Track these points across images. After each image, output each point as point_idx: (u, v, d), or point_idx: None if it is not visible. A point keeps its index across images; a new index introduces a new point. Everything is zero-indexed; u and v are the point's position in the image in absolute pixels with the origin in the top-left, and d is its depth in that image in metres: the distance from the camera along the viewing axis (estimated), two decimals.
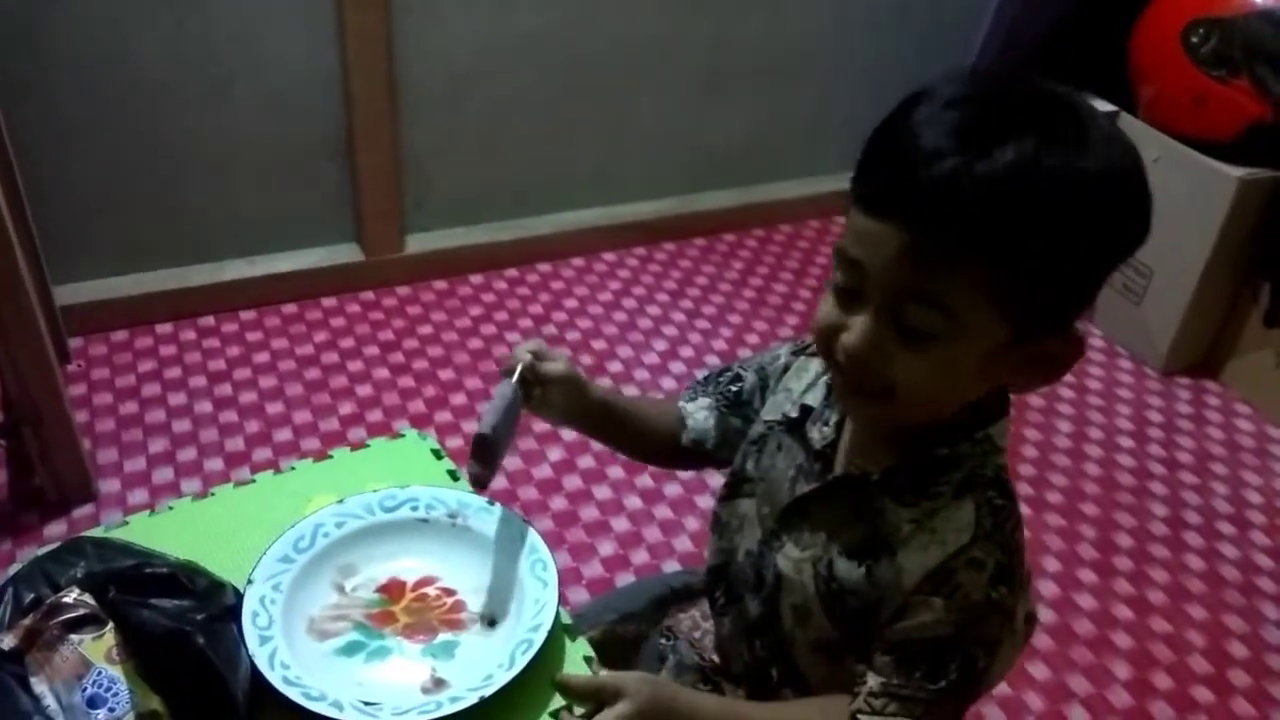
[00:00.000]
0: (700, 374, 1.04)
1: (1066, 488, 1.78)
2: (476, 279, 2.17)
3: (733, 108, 2.30)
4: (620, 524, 1.64)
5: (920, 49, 2.33)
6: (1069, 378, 2.03)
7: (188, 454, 1.68)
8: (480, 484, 0.87)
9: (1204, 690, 1.48)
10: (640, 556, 1.59)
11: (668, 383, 1.94)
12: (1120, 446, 1.89)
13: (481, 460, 0.86)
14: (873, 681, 0.79)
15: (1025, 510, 1.71)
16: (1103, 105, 2.00)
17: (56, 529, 1.52)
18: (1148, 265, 2.01)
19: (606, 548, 1.60)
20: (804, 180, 2.45)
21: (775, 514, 0.87)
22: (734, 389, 0.99)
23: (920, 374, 0.72)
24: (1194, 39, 1.86)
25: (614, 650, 1.02)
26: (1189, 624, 1.57)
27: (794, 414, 0.88)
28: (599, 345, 2.03)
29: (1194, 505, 1.78)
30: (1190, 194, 1.90)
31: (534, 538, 0.88)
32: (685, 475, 1.74)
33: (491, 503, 0.92)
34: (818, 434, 0.85)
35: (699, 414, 0.99)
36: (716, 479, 1.71)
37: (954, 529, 0.76)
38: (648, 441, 1.03)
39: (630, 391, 1.89)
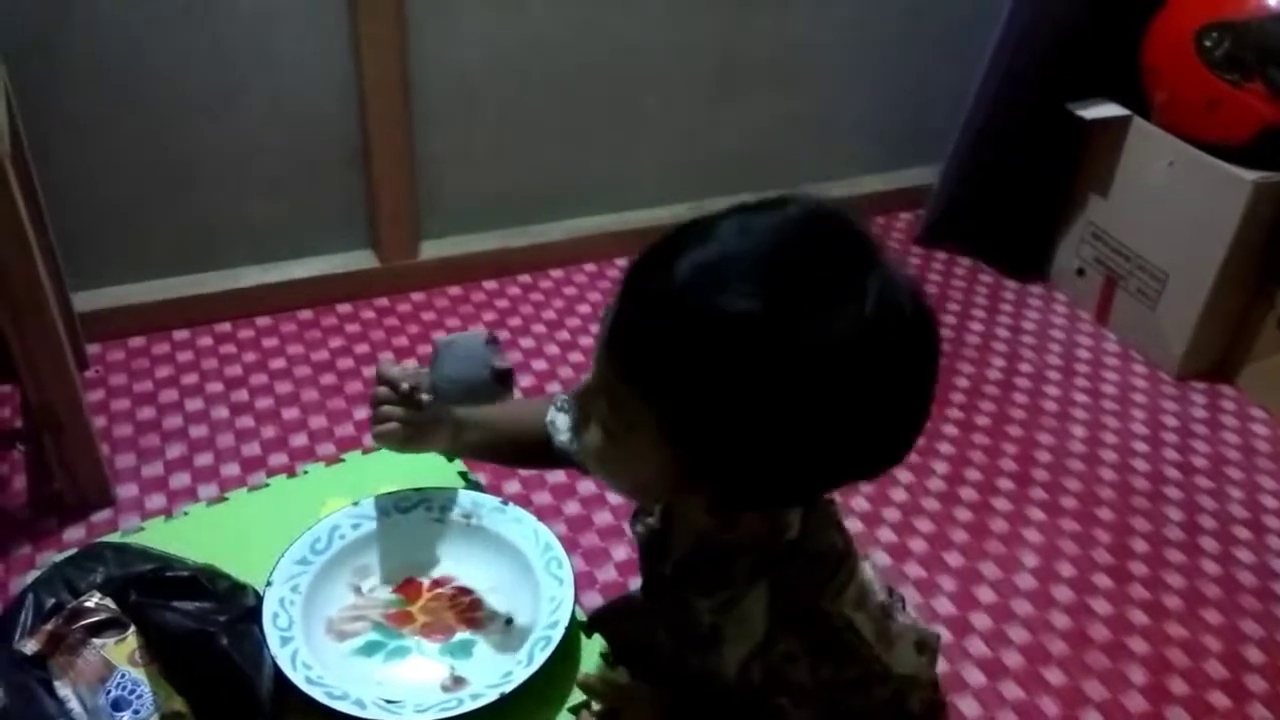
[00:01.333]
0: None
1: (1081, 493, 1.78)
2: (490, 285, 2.18)
3: (743, 112, 2.31)
4: None
5: (931, 53, 2.34)
6: (1084, 382, 2.03)
7: (204, 459, 1.69)
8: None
9: (1220, 695, 1.47)
10: None
11: None
12: (1135, 451, 1.88)
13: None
14: None
15: (1039, 515, 1.72)
16: (1115, 110, 2.01)
17: (75, 534, 1.53)
18: (1163, 270, 2.01)
19: (620, 552, 1.60)
20: (814, 184, 2.46)
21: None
22: None
23: (596, 451, 0.72)
24: (1207, 43, 1.85)
25: (631, 653, 1.03)
26: (1205, 629, 1.56)
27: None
28: None
29: (1209, 510, 1.77)
30: (1204, 198, 1.89)
31: (549, 536, 0.89)
32: None
33: (505, 503, 0.93)
34: (642, 526, 0.84)
35: (564, 435, 0.94)
36: None
37: (749, 624, 0.74)
38: (522, 458, 1.07)
39: None
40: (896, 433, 0.68)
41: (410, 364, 0.89)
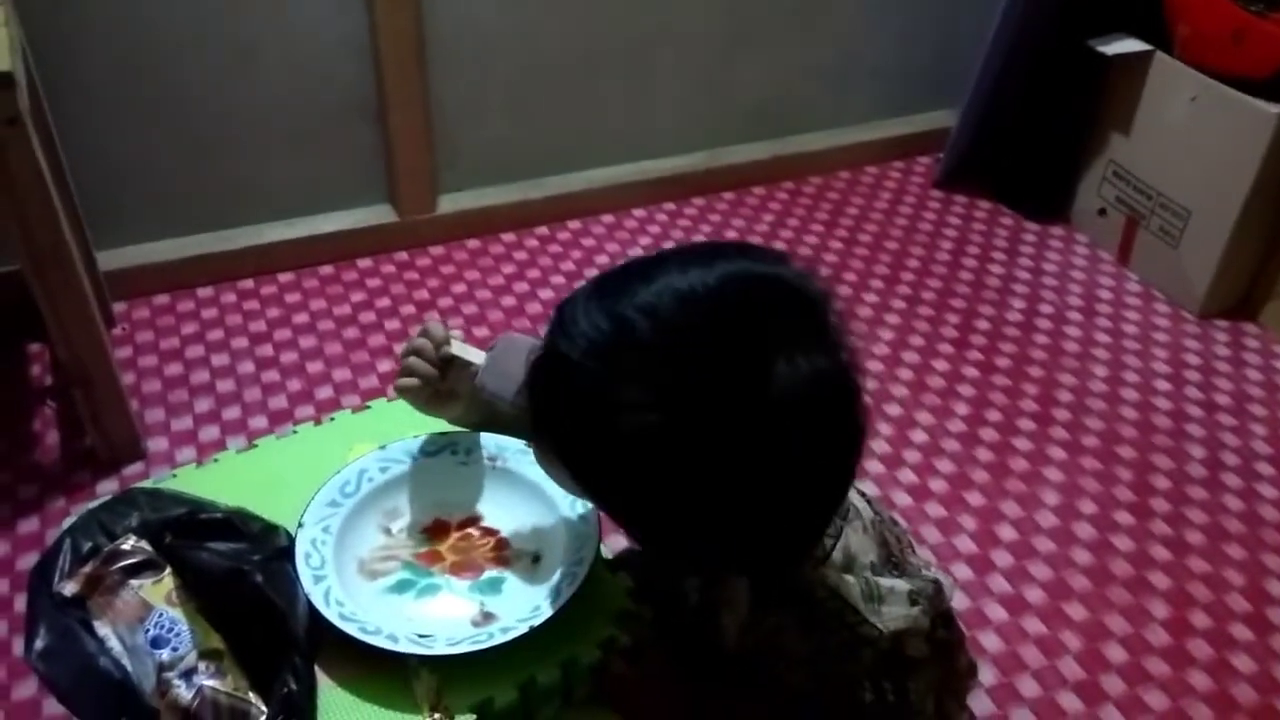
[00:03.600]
0: None
1: (1103, 431, 1.78)
2: (508, 237, 2.18)
3: (761, 59, 2.29)
4: None
5: None
6: (1105, 322, 2.02)
7: (232, 412, 1.72)
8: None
9: (1242, 628, 1.48)
10: None
11: None
12: (1157, 390, 1.88)
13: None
14: None
15: (1060, 454, 1.73)
16: (1136, 45, 1.98)
17: (108, 486, 1.56)
18: (1185, 207, 1.99)
19: None
20: (833, 131, 2.44)
21: None
22: None
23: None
24: None
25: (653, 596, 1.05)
26: (1228, 563, 1.57)
27: None
28: None
29: (1232, 447, 1.77)
30: (1227, 133, 1.87)
31: None
32: None
33: (530, 445, 0.95)
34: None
35: None
36: None
37: (735, 602, 0.78)
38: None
39: None
40: (804, 513, 0.68)
41: (456, 332, 0.91)
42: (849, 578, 0.75)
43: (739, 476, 0.63)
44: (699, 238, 2.23)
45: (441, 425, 0.96)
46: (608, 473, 0.67)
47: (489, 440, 0.95)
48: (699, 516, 0.65)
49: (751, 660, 0.79)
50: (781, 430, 0.62)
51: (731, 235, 2.24)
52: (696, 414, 0.61)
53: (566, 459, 0.70)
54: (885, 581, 0.77)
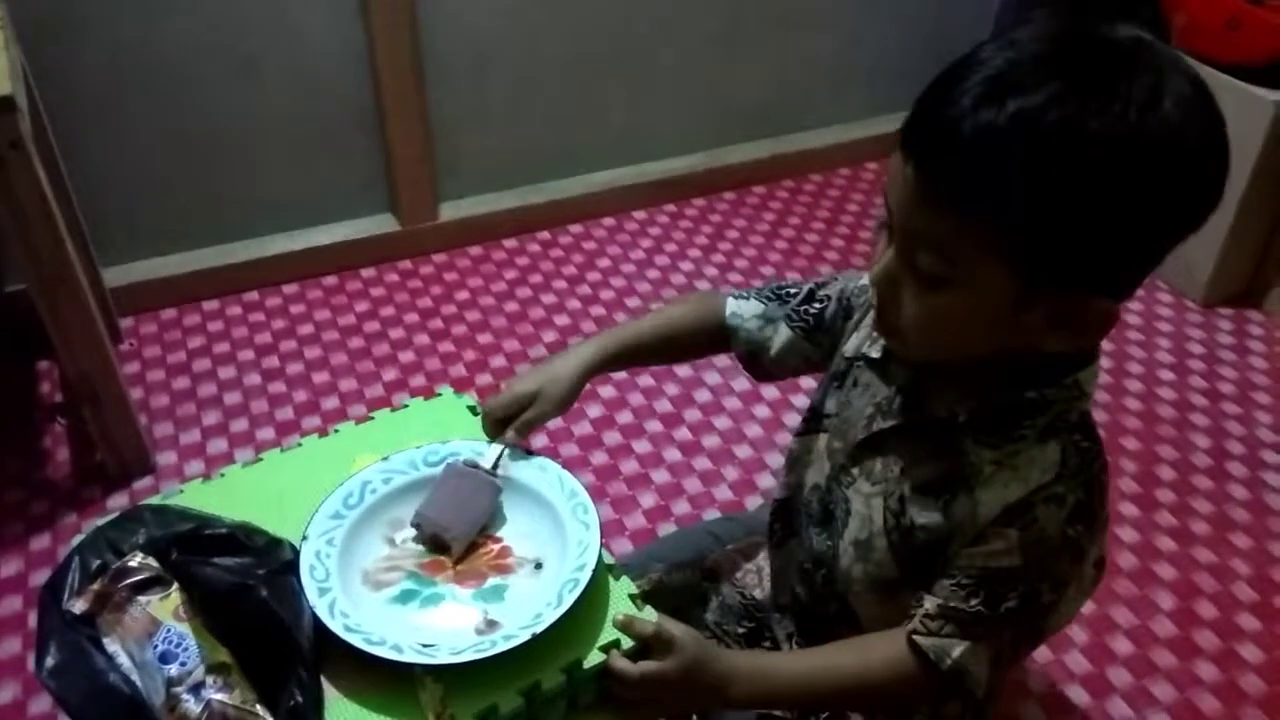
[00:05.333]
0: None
1: (1107, 423, 1.78)
2: (510, 243, 2.19)
3: (759, 58, 2.29)
4: (660, 476, 1.67)
5: None
6: None
7: (240, 425, 1.73)
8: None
9: (1249, 618, 1.48)
10: (681, 507, 1.62)
11: None
12: (1161, 380, 1.88)
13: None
14: (929, 604, 0.80)
15: None
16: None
17: (119, 501, 1.58)
18: None
19: (647, 499, 1.63)
20: (832, 128, 2.44)
21: (848, 449, 0.88)
22: (814, 310, 0.98)
23: (923, 316, 0.73)
24: None
25: (661, 598, 1.05)
26: (1234, 553, 1.57)
27: (875, 354, 0.87)
28: (633, 304, 2.05)
29: (1237, 435, 1.77)
30: (1226, 121, 1.86)
31: (573, 483, 0.91)
32: (723, 425, 1.76)
33: (531, 453, 0.95)
34: (901, 373, 0.85)
35: (752, 322, 0.99)
36: (755, 429, 1.74)
37: (1038, 468, 0.77)
38: (686, 356, 1.11)
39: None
40: (1209, 189, 0.70)
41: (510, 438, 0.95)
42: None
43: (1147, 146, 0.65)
44: (700, 239, 2.24)
45: (444, 435, 0.97)
46: (1035, 189, 0.65)
47: (490, 449, 0.96)
48: (1119, 201, 0.66)
49: (927, 555, 0.82)
50: (1178, 111, 0.65)
51: (733, 235, 2.25)
52: (1095, 91, 0.64)
53: (985, 207, 0.67)
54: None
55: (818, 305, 0.97)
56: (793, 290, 1.00)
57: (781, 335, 0.98)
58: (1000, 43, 0.68)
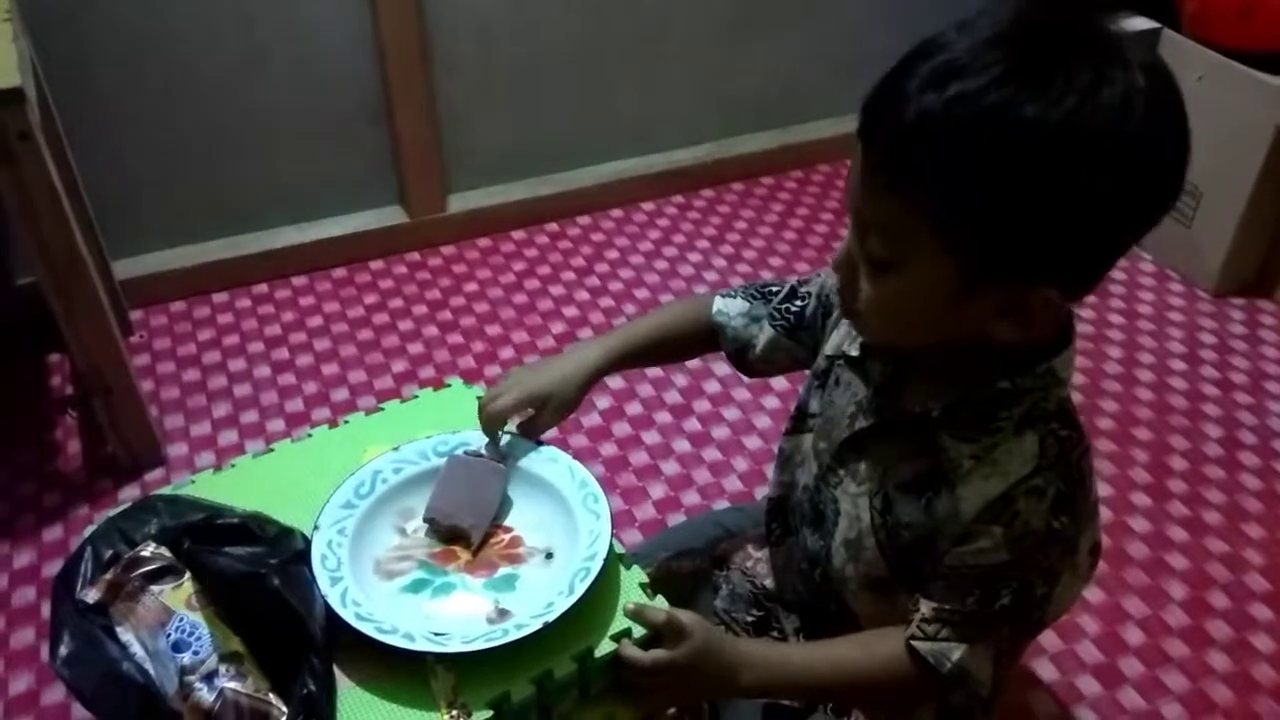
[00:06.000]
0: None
1: (1118, 413, 1.78)
2: (519, 234, 2.19)
3: (767, 49, 2.29)
4: (670, 467, 1.67)
5: None
6: (1119, 304, 2.01)
7: (250, 416, 1.73)
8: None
9: (1262, 607, 1.48)
10: (691, 498, 1.62)
11: None
12: (1172, 370, 1.87)
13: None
14: (925, 608, 0.80)
15: None
16: (1143, 23, 1.96)
17: (130, 493, 1.58)
18: (1196, 186, 1.98)
19: (657, 490, 1.63)
20: (840, 119, 2.44)
21: (832, 449, 0.88)
22: (795, 309, 0.98)
23: (874, 300, 0.73)
24: None
25: (671, 586, 1.05)
26: (1246, 543, 1.56)
27: (854, 352, 0.87)
28: (642, 295, 2.04)
29: (1249, 425, 1.76)
30: (1237, 109, 1.86)
31: (583, 473, 0.91)
32: (733, 416, 1.76)
33: (541, 443, 0.95)
34: (878, 370, 0.85)
35: (737, 320, 1.00)
36: (764, 420, 1.74)
37: (1017, 460, 0.76)
38: (683, 356, 1.12)
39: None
40: (1157, 185, 0.69)
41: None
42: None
43: (1100, 136, 0.63)
44: (709, 229, 2.23)
45: (454, 426, 0.97)
46: (979, 175, 0.64)
47: (501, 440, 0.96)
48: (1069, 189, 0.64)
49: (911, 558, 0.81)
50: (1142, 95, 0.64)
51: (741, 226, 2.25)
52: (1042, 76, 0.63)
53: (931, 194, 0.66)
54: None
55: (799, 303, 0.98)
56: (775, 288, 1.00)
57: (765, 333, 0.99)
58: (961, 26, 0.68)
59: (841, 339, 0.91)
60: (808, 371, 0.96)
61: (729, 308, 1.01)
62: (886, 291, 0.72)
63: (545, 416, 0.95)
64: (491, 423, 0.94)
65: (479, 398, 0.99)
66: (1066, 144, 0.63)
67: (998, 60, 0.63)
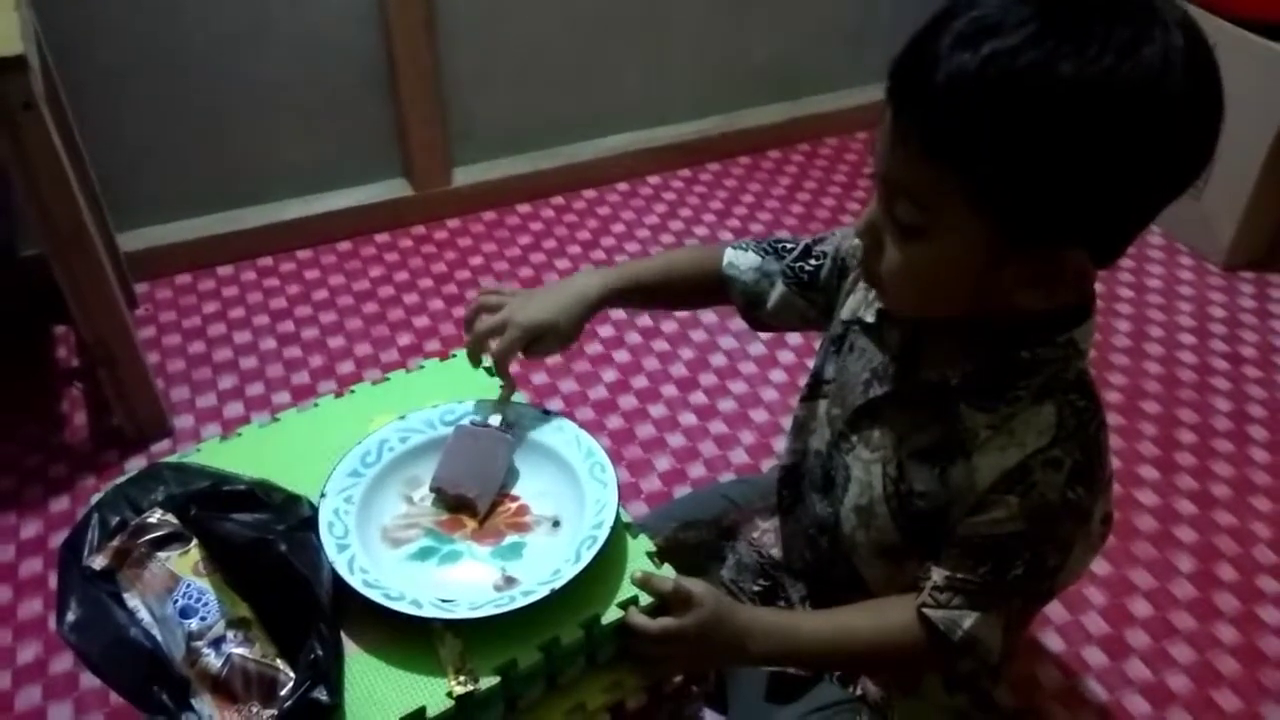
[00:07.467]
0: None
1: (1126, 386, 1.77)
2: (524, 208, 2.18)
3: (773, 21, 2.26)
4: (676, 440, 1.66)
5: None
6: (1128, 276, 2.00)
7: (256, 389, 1.73)
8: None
9: (1270, 580, 1.47)
10: (697, 470, 1.61)
11: None
12: (1181, 344, 1.86)
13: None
14: (937, 576, 0.80)
15: None
16: None
17: (136, 464, 1.58)
18: None
19: (663, 463, 1.62)
20: (849, 91, 2.42)
21: (845, 415, 0.87)
22: (809, 268, 0.97)
23: (901, 266, 0.72)
24: None
25: (678, 556, 1.05)
26: (1255, 516, 1.56)
27: (870, 319, 0.87)
28: None
29: (1259, 399, 1.76)
30: (1247, 79, 1.83)
31: (590, 442, 0.91)
32: (739, 389, 1.75)
33: (548, 413, 0.95)
34: (895, 337, 0.85)
35: (748, 274, 0.99)
36: (771, 393, 1.73)
37: (1034, 431, 0.76)
38: (683, 303, 1.12)
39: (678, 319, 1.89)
40: (1194, 146, 0.67)
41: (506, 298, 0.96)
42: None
43: (1136, 101, 0.62)
44: (715, 203, 2.22)
45: (460, 395, 0.97)
46: (1013, 136, 0.63)
47: (507, 409, 0.95)
48: (1102, 152, 0.63)
49: (927, 523, 0.81)
50: (1175, 56, 0.62)
51: (748, 199, 2.24)
52: (1078, 36, 0.61)
53: (965, 153, 0.65)
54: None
55: (813, 263, 0.97)
56: (789, 245, 0.99)
57: (777, 290, 0.98)
58: None
59: (858, 304, 0.90)
60: (823, 335, 0.96)
61: (740, 260, 1.00)
62: (914, 258, 0.71)
63: (542, 349, 0.94)
64: (498, 365, 0.93)
65: (486, 369, 0.98)
66: (1105, 103, 0.61)
67: (1032, 16, 0.62)
